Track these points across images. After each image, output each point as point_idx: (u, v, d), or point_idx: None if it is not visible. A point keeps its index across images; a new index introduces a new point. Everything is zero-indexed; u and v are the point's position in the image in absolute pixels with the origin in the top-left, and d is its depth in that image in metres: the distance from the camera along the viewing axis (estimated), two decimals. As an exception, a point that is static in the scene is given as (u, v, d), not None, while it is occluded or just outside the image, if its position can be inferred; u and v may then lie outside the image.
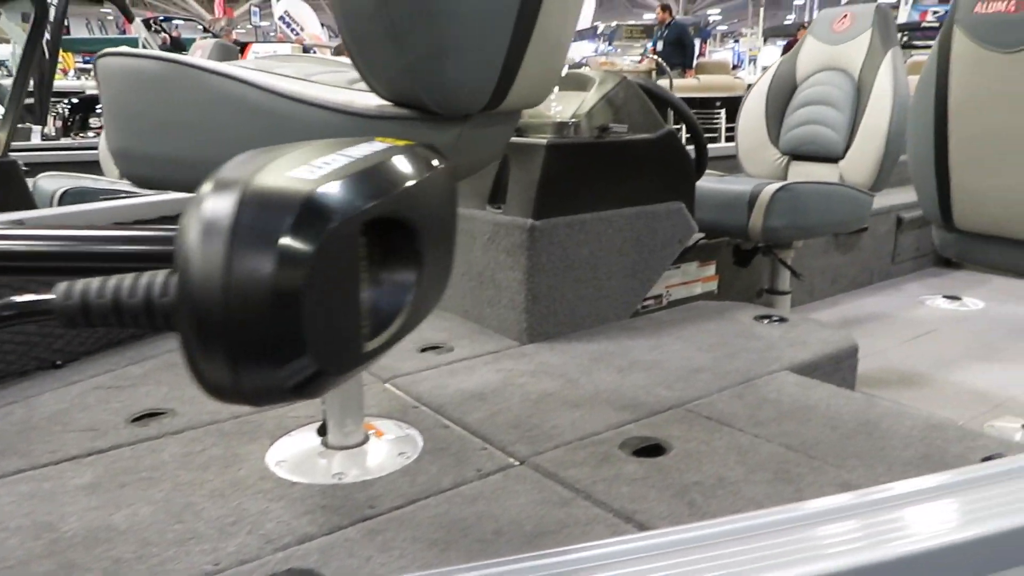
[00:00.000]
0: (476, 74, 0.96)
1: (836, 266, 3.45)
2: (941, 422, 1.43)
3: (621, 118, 1.93)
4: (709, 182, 2.48)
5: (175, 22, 18.15)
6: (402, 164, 0.47)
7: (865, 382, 2.50)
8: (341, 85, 1.07)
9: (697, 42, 18.03)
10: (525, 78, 1.04)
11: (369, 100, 0.98)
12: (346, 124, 0.95)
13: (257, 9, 27.28)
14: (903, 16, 14.73)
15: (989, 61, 1.68)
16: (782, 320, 1.98)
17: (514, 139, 1.90)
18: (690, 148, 2.21)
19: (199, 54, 5.92)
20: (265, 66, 1.18)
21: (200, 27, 17.64)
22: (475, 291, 1.96)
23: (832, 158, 2.63)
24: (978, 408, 2.30)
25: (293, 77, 1.08)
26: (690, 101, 8.53)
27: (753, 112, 2.80)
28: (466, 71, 0.95)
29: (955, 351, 2.76)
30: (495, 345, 1.84)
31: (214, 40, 5.33)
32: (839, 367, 1.78)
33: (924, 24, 10.99)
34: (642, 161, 1.96)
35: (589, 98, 1.92)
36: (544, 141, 1.80)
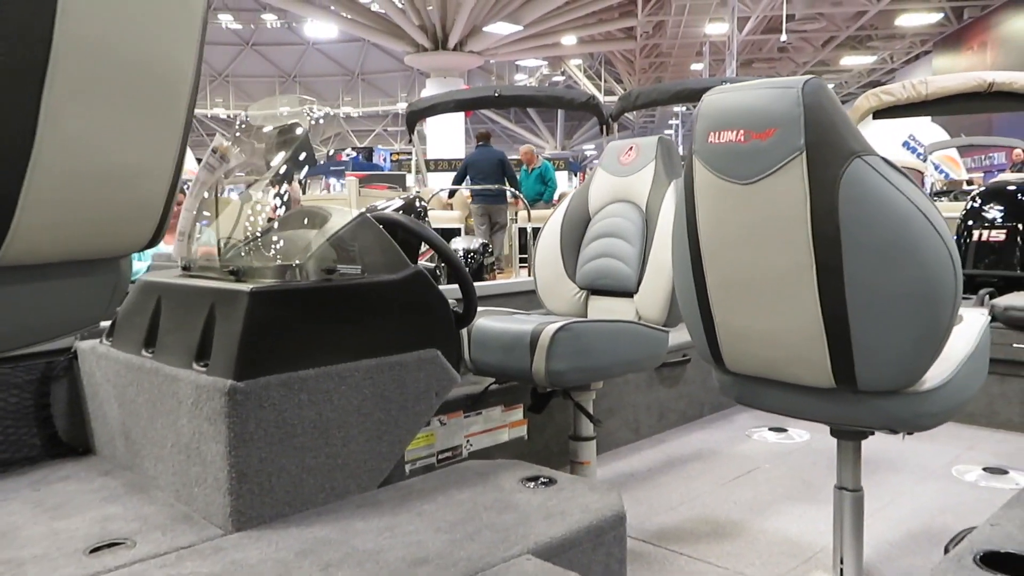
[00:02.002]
0: None
1: (662, 401, 3.29)
2: None
3: (353, 258, 1.71)
4: (494, 321, 2.28)
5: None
6: None
7: (675, 537, 2.26)
8: None
9: (565, 175, 18.78)
10: (37, 220, 0.78)
11: None
12: None
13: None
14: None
15: (728, 193, 1.56)
16: (550, 483, 1.72)
17: (220, 285, 1.63)
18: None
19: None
20: None
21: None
22: (183, 467, 1.63)
23: (628, 292, 2.49)
24: (788, 563, 2.09)
25: None
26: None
27: (548, 246, 2.67)
28: None
29: (774, 493, 2.58)
30: (192, 537, 1.49)
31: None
32: (601, 542, 1.53)
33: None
34: (382, 306, 1.73)
35: (316, 238, 1.69)
36: (248, 288, 1.54)
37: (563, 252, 2.64)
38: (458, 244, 7.63)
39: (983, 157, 17.91)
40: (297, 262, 1.66)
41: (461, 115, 21.50)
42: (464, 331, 2.33)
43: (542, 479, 1.74)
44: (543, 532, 1.47)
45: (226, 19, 35.56)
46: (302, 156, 1.88)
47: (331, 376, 1.63)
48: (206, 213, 1.96)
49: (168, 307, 1.77)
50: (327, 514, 1.58)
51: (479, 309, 2.43)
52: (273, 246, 1.72)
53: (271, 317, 1.56)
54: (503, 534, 1.47)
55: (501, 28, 20.80)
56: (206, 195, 1.96)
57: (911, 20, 20.84)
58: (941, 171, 14.43)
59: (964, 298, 3.64)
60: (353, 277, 1.69)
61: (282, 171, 1.83)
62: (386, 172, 17.40)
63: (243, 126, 1.98)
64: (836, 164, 1.45)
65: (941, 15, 20.40)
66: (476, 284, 3.69)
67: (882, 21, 21.49)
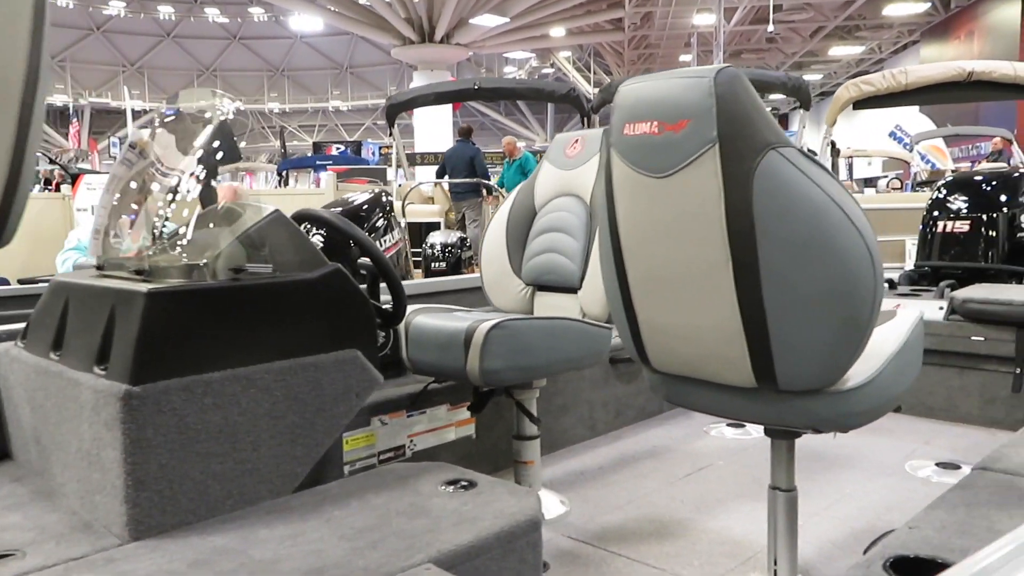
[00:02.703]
0: None
1: (619, 397, 3.25)
2: None
3: (264, 257, 1.65)
4: (431, 318, 2.23)
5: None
6: None
7: (617, 537, 2.22)
8: None
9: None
10: None
11: None
12: None
13: (118, 140, 26.69)
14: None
15: (644, 187, 1.51)
16: (470, 485, 1.67)
17: (121, 286, 1.57)
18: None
19: None
20: None
21: (47, 158, 16.83)
22: (86, 474, 1.57)
23: (572, 288, 2.44)
24: (727, 564, 2.05)
25: None
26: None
27: (494, 241, 2.61)
28: None
29: (723, 490, 2.54)
30: (86, 547, 1.43)
31: None
32: (512, 548, 1.48)
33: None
34: (295, 306, 1.67)
35: (225, 236, 1.64)
36: (145, 289, 1.48)
37: (508, 248, 2.59)
38: (436, 238, 7.56)
39: (971, 147, 17.91)
40: (204, 261, 1.60)
41: (448, 108, 21.37)
42: (402, 329, 2.28)
43: (462, 482, 1.69)
44: (449, 539, 1.42)
45: (212, 12, 35.32)
46: (218, 150, 1.82)
47: (238, 379, 1.57)
48: (133, 207, 1.90)
49: (74, 308, 1.71)
50: (232, 522, 1.53)
51: (418, 307, 2.38)
52: (180, 244, 1.66)
53: (170, 319, 1.50)
54: (409, 542, 1.42)
55: (487, 20, 20.69)
56: (133, 186, 1.90)
57: (898, 10, 20.80)
58: (927, 160, 14.43)
59: (925, 290, 3.61)
60: (263, 276, 1.63)
61: (197, 165, 1.76)
62: (369, 166, 17.31)
63: (161, 120, 1.92)
64: (750, 156, 1.40)
65: (928, 4, 20.36)
66: (424, 281, 3.64)
67: (869, 11, 21.44)
